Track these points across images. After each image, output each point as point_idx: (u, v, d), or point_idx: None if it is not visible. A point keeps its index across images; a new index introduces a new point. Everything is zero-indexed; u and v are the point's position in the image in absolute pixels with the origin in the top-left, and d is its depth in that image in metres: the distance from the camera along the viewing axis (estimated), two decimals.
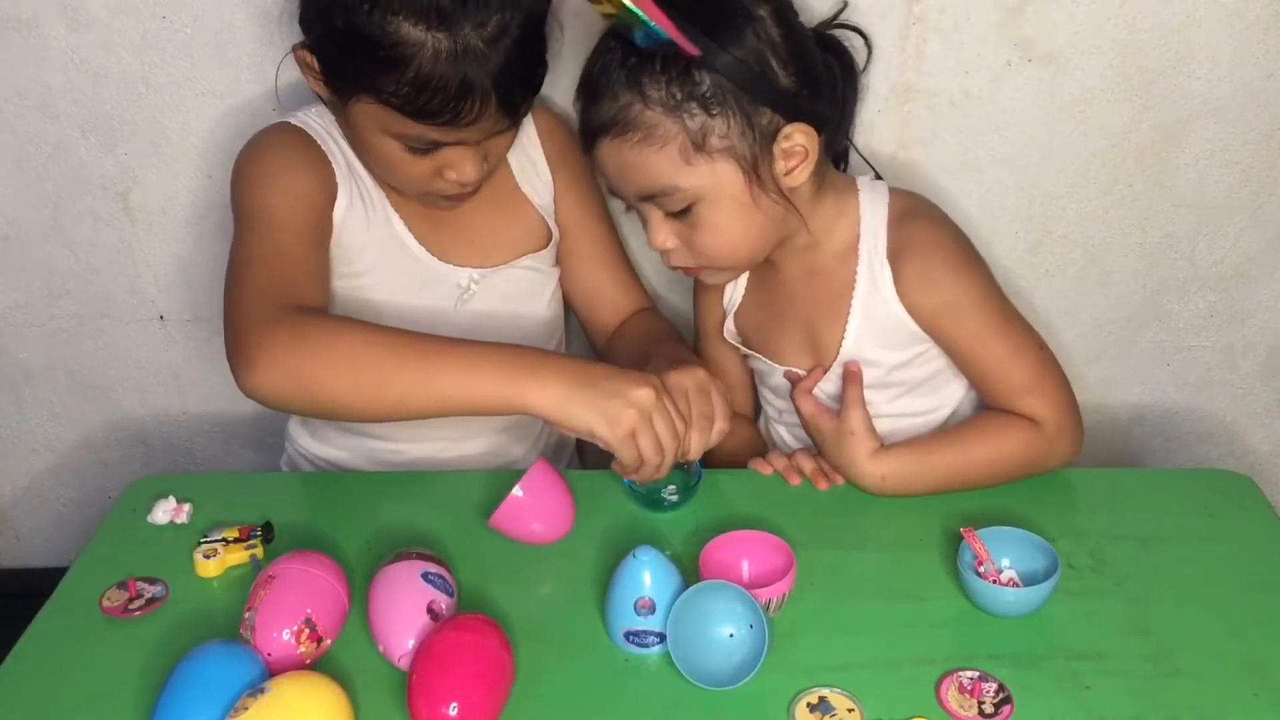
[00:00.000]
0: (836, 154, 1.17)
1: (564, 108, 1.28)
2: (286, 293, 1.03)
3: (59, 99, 1.29)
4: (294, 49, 1.06)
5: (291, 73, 1.25)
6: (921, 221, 1.10)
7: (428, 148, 1.05)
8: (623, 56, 0.98)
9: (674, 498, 1.08)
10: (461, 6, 0.96)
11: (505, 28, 0.98)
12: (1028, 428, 1.07)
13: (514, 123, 1.07)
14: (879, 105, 1.26)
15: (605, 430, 0.95)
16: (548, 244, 1.24)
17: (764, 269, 1.13)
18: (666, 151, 0.99)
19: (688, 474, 1.08)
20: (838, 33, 1.13)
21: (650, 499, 1.08)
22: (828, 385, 1.14)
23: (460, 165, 1.06)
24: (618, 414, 0.95)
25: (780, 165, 1.01)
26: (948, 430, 1.12)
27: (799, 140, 1.00)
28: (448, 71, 0.97)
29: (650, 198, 1.03)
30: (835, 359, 1.12)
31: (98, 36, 1.25)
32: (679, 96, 0.97)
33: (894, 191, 1.12)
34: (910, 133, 1.28)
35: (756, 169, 1.00)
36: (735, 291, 1.20)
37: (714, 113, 0.97)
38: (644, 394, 0.96)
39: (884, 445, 1.08)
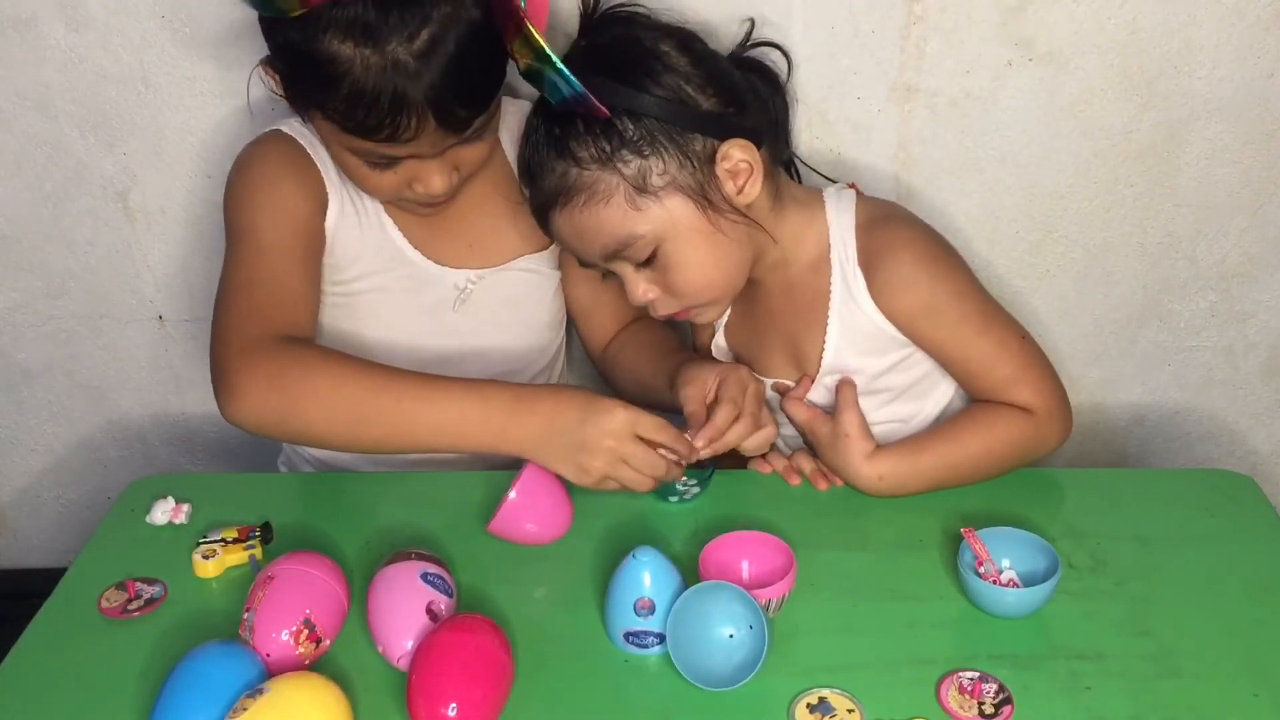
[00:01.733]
0: (784, 164, 1.17)
1: None
2: (270, 320, 1.05)
3: (58, 99, 1.28)
4: (260, 64, 1.06)
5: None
6: (889, 225, 1.09)
7: (386, 162, 1.04)
8: (546, 131, 1.01)
9: (696, 489, 1.09)
10: (386, 21, 0.94)
11: (438, 41, 0.95)
12: (1019, 416, 1.07)
13: (469, 136, 1.04)
14: (879, 105, 1.26)
15: (574, 479, 1.01)
16: (547, 245, 1.24)
17: (746, 287, 1.13)
18: (614, 204, 1.00)
19: (702, 466, 1.09)
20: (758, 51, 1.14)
21: (664, 492, 1.08)
22: (814, 395, 1.14)
23: (426, 178, 1.05)
24: (585, 465, 1.00)
25: (729, 185, 1.02)
26: (940, 426, 1.12)
27: (739, 156, 1.01)
28: (379, 87, 0.95)
29: (616, 254, 1.04)
30: (818, 371, 1.12)
31: (97, 36, 1.24)
32: (608, 149, 0.99)
33: (861, 198, 1.12)
34: (910, 133, 1.27)
35: (706, 195, 1.01)
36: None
37: (646, 154, 0.99)
38: (606, 447, 0.99)
39: (879, 446, 1.08)
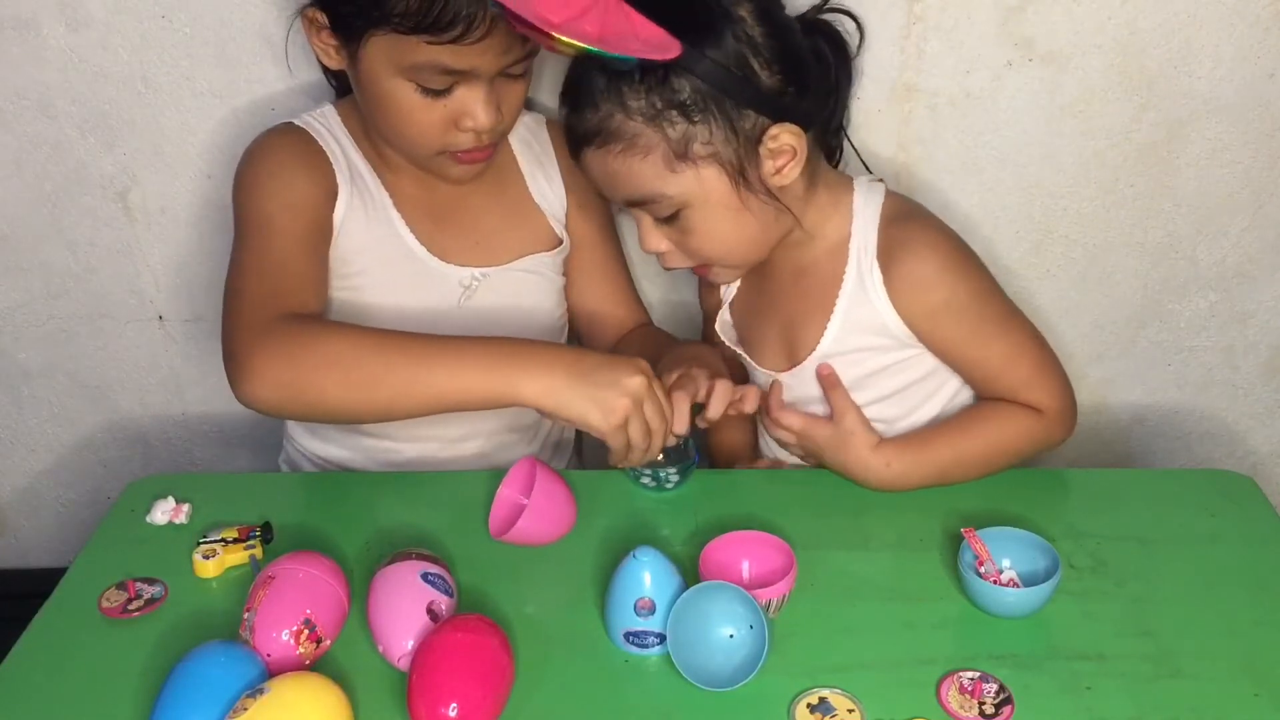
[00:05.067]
0: (831, 147, 1.17)
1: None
2: (280, 302, 1.04)
3: (58, 98, 1.28)
4: (300, 12, 1.06)
5: (300, 76, 1.25)
6: (913, 223, 1.09)
7: (442, 87, 1.03)
8: (601, 65, 0.97)
9: (676, 477, 1.09)
10: None
11: None
12: (1029, 414, 1.07)
13: (523, 55, 1.04)
14: (879, 105, 1.25)
15: (599, 420, 0.96)
16: (553, 246, 1.24)
17: (759, 264, 1.13)
18: (650, 160, 0.99)
19: (683, 454, 1.09)
20: (830, 17, 1.12)
21: (648, 479, 1.10)
22: (800, 388, 1.14)
23: (474, 108, 1.05)
24: (613, 404, 0.96)
25: (768, 166, 1.01)
26: (949, 419, 1.12)
27: (786, 140, 1.00)
28: None
29: (638, 204, 1.04)
30: (809, 356, 1.12)
31: (97, 36, 1.24)
32: (659, 105, 0.96)
33: (890, 194, 1.11)
34: (910, 133, 1.27)
35: (743, 172, 1.00)
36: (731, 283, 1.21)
37: (696, 119, 0.97)
38: (637, 381, 0.96)
39: (884, 439, 1.08)
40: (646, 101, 0.96)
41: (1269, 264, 1.35)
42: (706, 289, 1.26)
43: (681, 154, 0.98)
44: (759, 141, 0.99)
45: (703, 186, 1.00)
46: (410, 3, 0.97)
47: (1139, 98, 1.24)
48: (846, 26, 1.13)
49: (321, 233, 1.13)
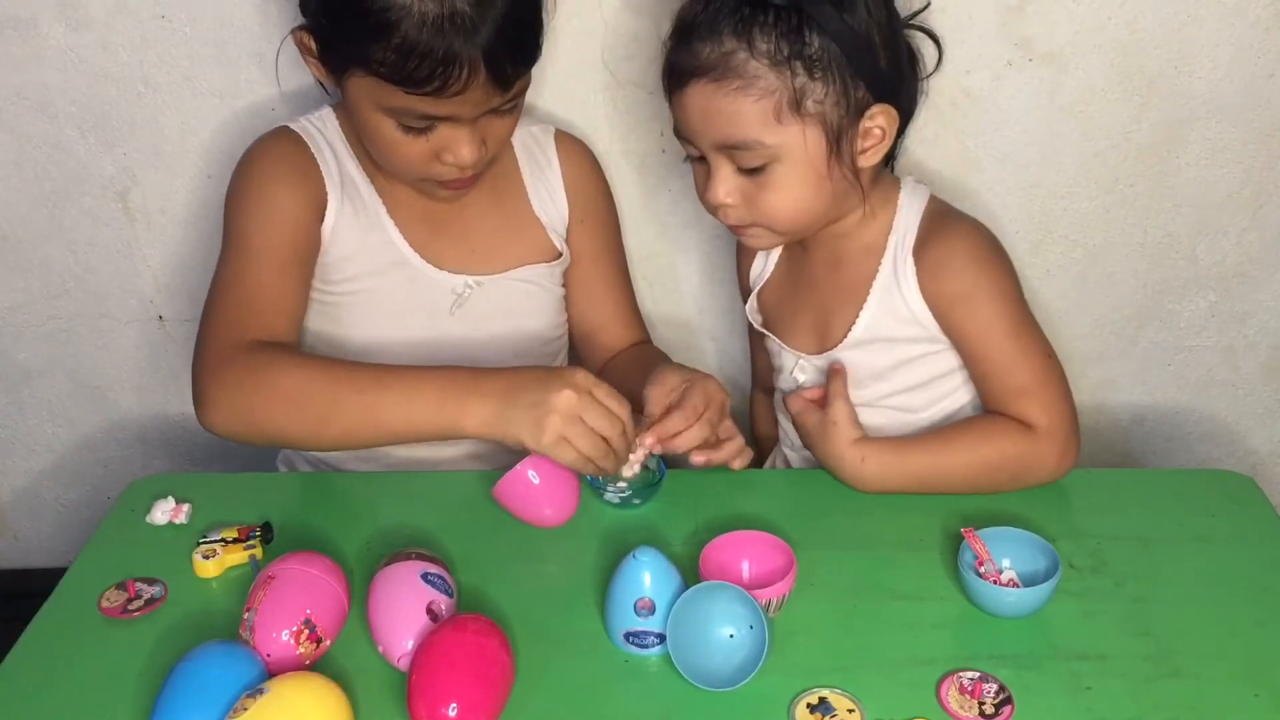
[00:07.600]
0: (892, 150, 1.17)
1: (561, 117, 1.28)
2: (248, 326, 1.06)
3: (58, 99, 1.28)
4: (292, 32, 1.07)
5: (303, 78, 1.25)
6: (952, 218, 1.11)
7: (422, 126, 1.04)
8: (735, 3, 0.98)
9: (637, 501, 1.08)
10: None
11: None
12: (1017, 429, 1.06)
13: (508, 98, 1.05)
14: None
15: (532, 440, 0.97)
16: (552, 259, 1.24)
17: (795, 250, 1.15)
18: (761, 105, 0.99)
19: (649, 471, 1.08)
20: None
21: (611, 494, 1.08)
22: (816, 375, 1.15)
23: (456, 146, 1.05)
24: (540, 421, 0.96)
25: (859, 143, 1.02)
26: (935, 429, 1.12)
27: (881, 122, 1.02)
28: (433, 37, 0.96)
29: (727, 149, 1.02)
30: (841, 343, 1.12)
31: (96, 36, 1.24)
32: (786, 53, 0.97)
33: (935, 197, 1.13)
34: (910, 132, 1.27)
35: (839, 140, 1.01)
36: (766, 266, 1.21)
37: (816, 76, 0.98)
38: (565, 396, 0.96)
39: (867, 437, 1.08)
40: (775, 46, 0.97)
41: (1269, 264, 1.35)
42: (742, 266, 1.26)
43: (794, 105, 0.98)
44: (860, 115, 1.01)
45: (803, 144, 1.00)
46: (388, 55, 0.97)
47: (1139, 98, 1.24)
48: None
49: (302, 252, 1.13)
